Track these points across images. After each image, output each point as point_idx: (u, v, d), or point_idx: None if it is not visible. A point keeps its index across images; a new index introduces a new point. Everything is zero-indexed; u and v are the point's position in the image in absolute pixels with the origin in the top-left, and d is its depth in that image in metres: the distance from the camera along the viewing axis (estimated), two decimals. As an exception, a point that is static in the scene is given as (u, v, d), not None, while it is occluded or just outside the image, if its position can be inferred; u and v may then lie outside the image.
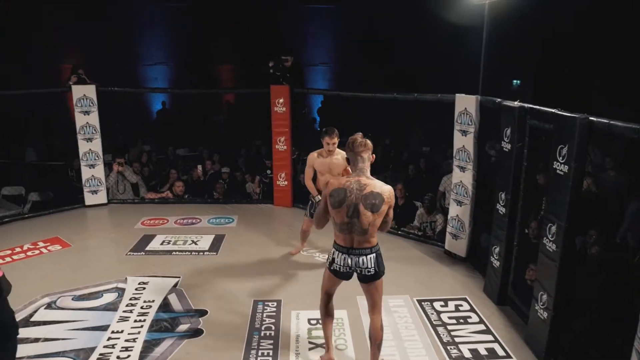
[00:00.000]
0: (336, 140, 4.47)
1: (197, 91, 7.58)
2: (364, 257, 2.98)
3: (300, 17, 12.23)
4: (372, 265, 2.99)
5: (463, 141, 4.78)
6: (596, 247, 4.06)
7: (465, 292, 4.35)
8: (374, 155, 3.05)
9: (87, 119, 6.58)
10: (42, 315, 3.92)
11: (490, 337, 3.65)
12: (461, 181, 4.86)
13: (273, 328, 3.74)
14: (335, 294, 4.20)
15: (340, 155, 4.53)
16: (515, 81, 11.79)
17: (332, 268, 3.07)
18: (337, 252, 3.02)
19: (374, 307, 3.12)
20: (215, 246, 5.37)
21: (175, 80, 12.09)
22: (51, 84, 7.85)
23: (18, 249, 5.23)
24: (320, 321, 3.41)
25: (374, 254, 3.00)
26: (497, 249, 4.10)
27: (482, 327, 3.80)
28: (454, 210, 4.98)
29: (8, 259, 5.00)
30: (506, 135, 3.93)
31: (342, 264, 3.01)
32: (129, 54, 11.87)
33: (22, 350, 3.43)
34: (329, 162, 4.58)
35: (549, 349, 3.29)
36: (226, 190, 7.20)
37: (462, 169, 4.83)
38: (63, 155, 7.63)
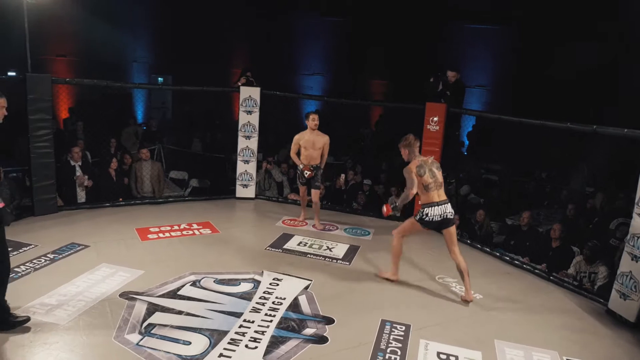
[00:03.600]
0: (318, 119, 5.95)
1: (352, 101, 7.66)
2: (447, 204, 4.42)
3: (460, 36, 11.83)
4: (451, 209, 4.45)
5: (650, 185, 4.06)
6: None
7: (630, 364, 3.66)
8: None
9: (249, 118, 7.10)
10: (188, 291, 4.24)
11: None
12: (641, 232, 4.12)
13: (399, 353, 3.54)
14: (469, 331, 3.90)
15: (320, 135, 6.00)
16: None
17: (425, 219, 4.40)
18: (430, 207, 4.38)
19: (456, 244, 4.48)
20: (349, 256, 5.34)
21: (330, 90, 12.57)
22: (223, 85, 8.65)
23: (176, 227, 5.80)
24: (394, 253, 4.69)
25: (449, 203, 4.47)
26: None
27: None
28: (627, 265, 4.24)
29: (167, 234, 5.57)
30: None
31: (434, 214, 4.36)
32: (290, 63, 12.67)
33: (168, 318, 3.76)
34: (313, 138, 5.96)
35: None
36: (366, 203, 7.17)
37: (645, 217, 4.10)
38: (223, 149, 8.36)
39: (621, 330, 4.16)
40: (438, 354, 3.58)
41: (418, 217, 4.44)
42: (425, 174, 4.37)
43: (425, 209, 4.38)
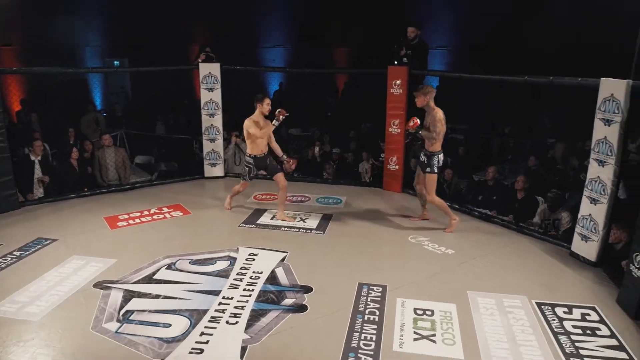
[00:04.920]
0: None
1: (314, 71, 7.64)
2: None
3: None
4: None
5: (605, 132, 4.20)
6: None
7: (594, 301, 3.86)
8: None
9: (211, 95, 6.97)
10: (163, 274, 4.22)
11: (624, 355, 3.20)
12: (598, 177, 4.29)
13: (377, 313, 3.64)
14: (444, 286, 4.04)
15: (268, 121, 5.38)
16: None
17: (440, 167, 5.00)
18: (441, 155, 4.95)
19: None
20: (322, 225, 5.39)
21: (292, 62, 12.39)
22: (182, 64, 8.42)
23: (146, 212, 5.72)
24: (444, 208, 5.15)
25: None
26: (640, 257, 3.57)
27: (614, 342, 3.34)
28: (586, 208, 4.44)
29: (137, 220, 5.49)
30: (664, 126, 3.36)
31: (443, 160, 5.02)
32: (250, 37, 12.39)
33: (145, 303, 3.74)
34: (265, 124, 5.32)
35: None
36: (336, 171, 7.20)
37: (602, 162, 4.26)
38: (188, 130, 8.20)
39: (584, 270, 4.38)
40: (415, 310, 3.69)
41: (436, 167, 4.93)
42: (445, 124, 4.82)
43: (439, 156, 4.92)
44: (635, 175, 4.86)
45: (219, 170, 7.21)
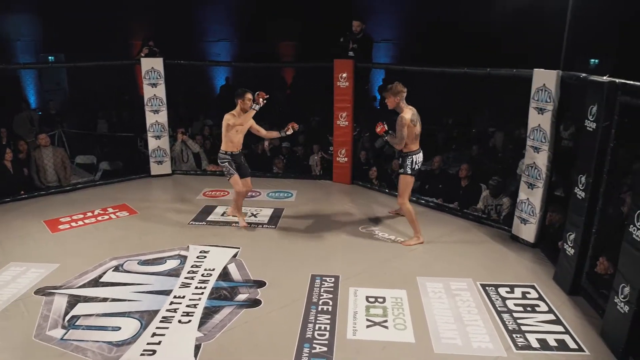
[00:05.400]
0: None
1: (260, 65, 7.57)
2: (421, 153, 4.68)
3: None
4: None
5: (539, 120, 4.45)
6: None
7: (534, 280, 4.10)
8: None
9: (154, 91, 6.77)
10: (110, 277, 4.09)
11: (560, 328, 3.42)
12: (534, 162, 4.54)
13: (330, 303, 3.69)
14: (394, 273, 4.16)
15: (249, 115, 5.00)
16: (593, 60, 10.90)
17: (415, 168, 4.63)
18: (415, 155, 4.60)
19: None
20: (274, 219, 5.39)
21: (238, 56, 12.22)
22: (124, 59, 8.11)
23: (90, 214, 5.50)
24: (412, 219, 4.71)
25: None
26: (572, 236, 3.81)
27: (551, 316, 3.56)
28: (524, 193, 4.69)
29: (80, 222, 5.27)
30: (591, 114, 3.59)
31: (419, 161, 4.65)
32: (194, 31, 12.10)
33: (92, 307, 3.61)
34: (248, 117, 4.96)
35: (628, 346, 3.03)
36: (285, 165, 7.21)
37: (537, 149, 4.51)
38: (132, 127, 7.93)
39: (524, 252, 4.64)
40: (367, 298, 3.78)
41: (409, 168, 4.59)
42: (417, 123, 4.52)
43: (414, 157, 4.59)
44: (567, 160, 5.18)
45: (166, 168, 7.03)
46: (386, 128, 4.62)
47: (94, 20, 10.69)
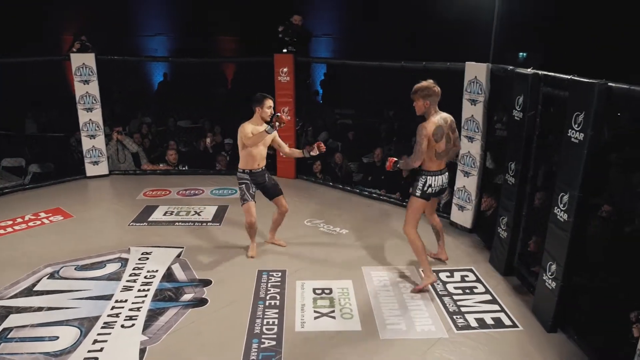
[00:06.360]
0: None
1: (199, 60, 7.40)
2: (446, 174, 3.81)
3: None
4: (447, 179, 3.86)
5: (472, 111, 4.66)
6: (602, 218, 3.97)
7: (471, 263, 4.31)
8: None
9: (86, 88, 6.46)
10: (45, 285, 3.88)
11: (496, 307, 3.62)
12: (469, 151, 4.76)
13: (278, 298, 3.71)
14: (340, 264, 4.23)
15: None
16: (521, 54, 11.53)
17: (427, 192, 3.74)
18: (432, 177, 3.71)
19: (434, 209, 4.21)
20: (218, 217, 5.32)
21: (176, 51, 11.88)
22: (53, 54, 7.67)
23: (19, 220, 5.19)
24: (418, 252, 3.84)
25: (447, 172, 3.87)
26: (505, 220, 4.04)
27: (488, 297, 3.76)
28: (460, 181, 4.91)
29: (10, 229, 4.96)
30: (518, 104, 3.81)
31: (436, 185, 3.73)
32: (129, 25, 11.63)
33: (26, 318, 3.42)
34: (261, 137, 4.05)
35: (556, 319, 3.26)
36: (229, 162, 7.12)
37: (470, 139, 4.73)
38: (64, 126, 7.53)
39: (462, 237, 4.86)
40: (314, 290, 3.83)
41: (419, 191, 3.72)
42: (441, 139, 3.61)
43: (429, 178, 3.69)
44: (499, 149, 5.46)
45: (102, 169, 6.74)
46: (395, 159, 3.87)
47: (19, 13, 10.02)
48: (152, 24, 12.11)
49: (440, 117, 3.63)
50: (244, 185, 4.20)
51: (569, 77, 3.17)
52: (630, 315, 2.82)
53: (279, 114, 4.08)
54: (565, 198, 3.11)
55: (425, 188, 3.72)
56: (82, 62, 6.39)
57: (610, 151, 4.42)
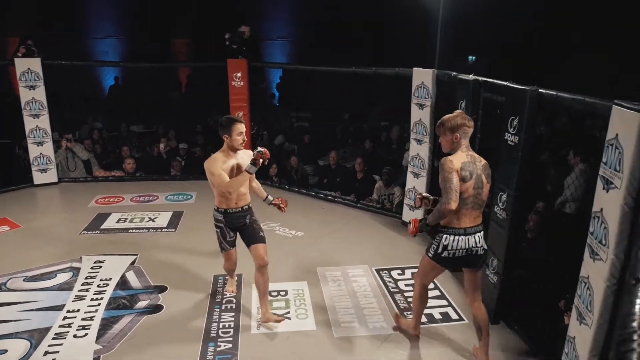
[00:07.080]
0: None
1: (150, 65, 7.30)
2: (479, 234, 2.86)
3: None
4: (483, 242, 2.88)
5: (420, 114, 4.86)
6: (538, 215, 4.23)
7: (422, 261, 4.48)
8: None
9: (32, 94, 6.26)
10: (-8, 297, 3.77)
11: (444, 302, 3.81)
12: (418, 154, 4.96)
13: (234, 302, 3.75)
14: (295, 266, 4.31)
15: (245, 154, 3.40)
16: (470, 57, 11.99)
17: (443, 256, 2.86)
18: (451, 236, 2.83)
19: (479, 289, 3.02)
20: (173, 223, 5.29)
21: (128, 54, 11.62)
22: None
23: (-38, 231, 4.99)
24: (413, 304, 3.33)
25: (482, 232, 2.88)
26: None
27: (437, 292, 3.94)
28: (411, 182, 5.10)
29: (-48, 241, 4.77)
30: (461, 108, 4.02)
31: (456, 247, 2.83)
32: (78, 27, 11.28)
33: (-29, 333, 3.32)
34: (241, 162, 3.37)
35: (497, 311, 3.47)
36: (184, 167, 7.06)
37: (419, 141, 4.93)
38: (8, 133, 7.25)
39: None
40: (270, 292, 3.86)
41: (432, 253, 2.93)
42: (470, 179, 2.78)
43: (445, 237, 2.85)
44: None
45: (51, 176, 6.54)
46: (420, 224, 2.95)
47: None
48: (102, 25, 11.80)
49: (469, 154, 2.84)
50: (219, 231, 3.49)
51: (504, 83, 3.39)
52: (559, 304, 3.05)
53: (262, 150, 3.22)
54: (504, 197, 3.33)
55: (440, 250, 2.87)
56: (27, 67, 6.19)
57: (545, 151, 4.73)
